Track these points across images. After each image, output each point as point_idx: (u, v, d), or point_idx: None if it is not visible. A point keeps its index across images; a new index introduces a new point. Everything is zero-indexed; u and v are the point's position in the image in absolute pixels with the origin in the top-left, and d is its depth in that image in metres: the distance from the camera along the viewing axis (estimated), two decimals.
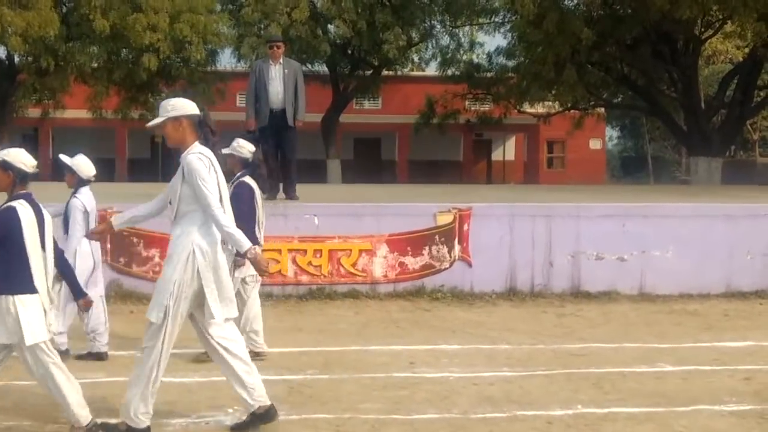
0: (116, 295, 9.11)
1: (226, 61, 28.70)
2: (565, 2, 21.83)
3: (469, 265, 9.97)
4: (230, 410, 5.49)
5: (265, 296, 9.43)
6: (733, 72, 25.33)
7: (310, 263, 9.64)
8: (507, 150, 38.75)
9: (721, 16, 22.78)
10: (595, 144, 37.82)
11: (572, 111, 27.77)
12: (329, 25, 25.15)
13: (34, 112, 27.52)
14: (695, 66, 24.14)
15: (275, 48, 10.29)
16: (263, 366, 6.64)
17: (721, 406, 5.88)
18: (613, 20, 21.70)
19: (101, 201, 7.41)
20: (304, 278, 9.64)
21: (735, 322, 8.90)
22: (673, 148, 44.68)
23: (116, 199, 10.02)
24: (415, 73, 33.13)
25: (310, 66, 25.82)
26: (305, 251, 9.64)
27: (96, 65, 23.19)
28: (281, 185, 10.57)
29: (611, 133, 49.40)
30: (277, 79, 10.13)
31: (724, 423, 5.52)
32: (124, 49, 23.10)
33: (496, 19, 26.63)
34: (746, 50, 25.69)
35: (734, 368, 6.87)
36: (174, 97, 5.42)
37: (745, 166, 37.31)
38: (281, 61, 10.22)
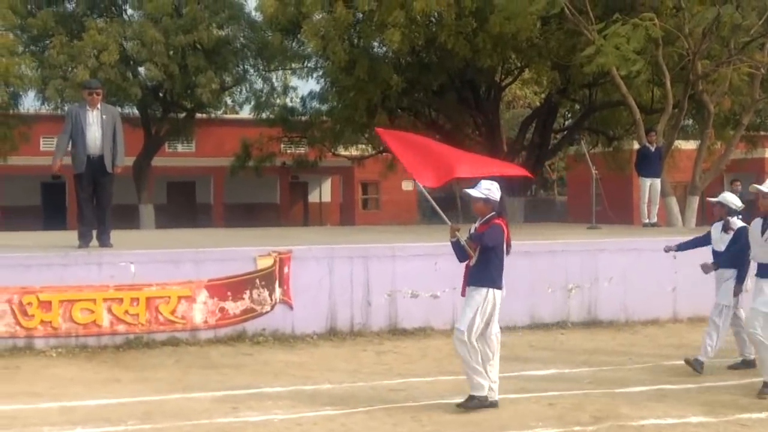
0: None
1: (30, 103, 27.52)
2: (375, 50, 22.57)
3: (290, 307, 10.10)
4: None
5: (80, 347, 9.21)
6: (531, 116, 26.94)
7: (126, 312, 9.42)
8: (323, 192, 39.31)
9: (519, 65, 24.33)
10: (407, 185, 39.07)
11: (385, 154, 28.60)
12: (140, 68, 24.72)
13: None
14: (497, 111, 25.57)
15: (94, 95, 10.19)
16: (78, 419, 6.47)
17: (528, 431, 6.31)
18: (421, 68, 22.65)
19: None
20: (121, 328, 9.41)
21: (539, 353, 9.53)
22: None
23: None
24: (230, 116, 33.06)
25: (120, 109, 25.20)
26: (121, 300, 9.42)
27: None
28: (95, 232, 10.34)
29: None
30: (95, 124, 10.09)
31: None
32: None
33: (309, 65, 27.10)
34: (543, 96, 27.48)
35: (539, 395, 7.38)
36: None
37: (545, 204, 39.84)
38: (99, 106, 10.17)
